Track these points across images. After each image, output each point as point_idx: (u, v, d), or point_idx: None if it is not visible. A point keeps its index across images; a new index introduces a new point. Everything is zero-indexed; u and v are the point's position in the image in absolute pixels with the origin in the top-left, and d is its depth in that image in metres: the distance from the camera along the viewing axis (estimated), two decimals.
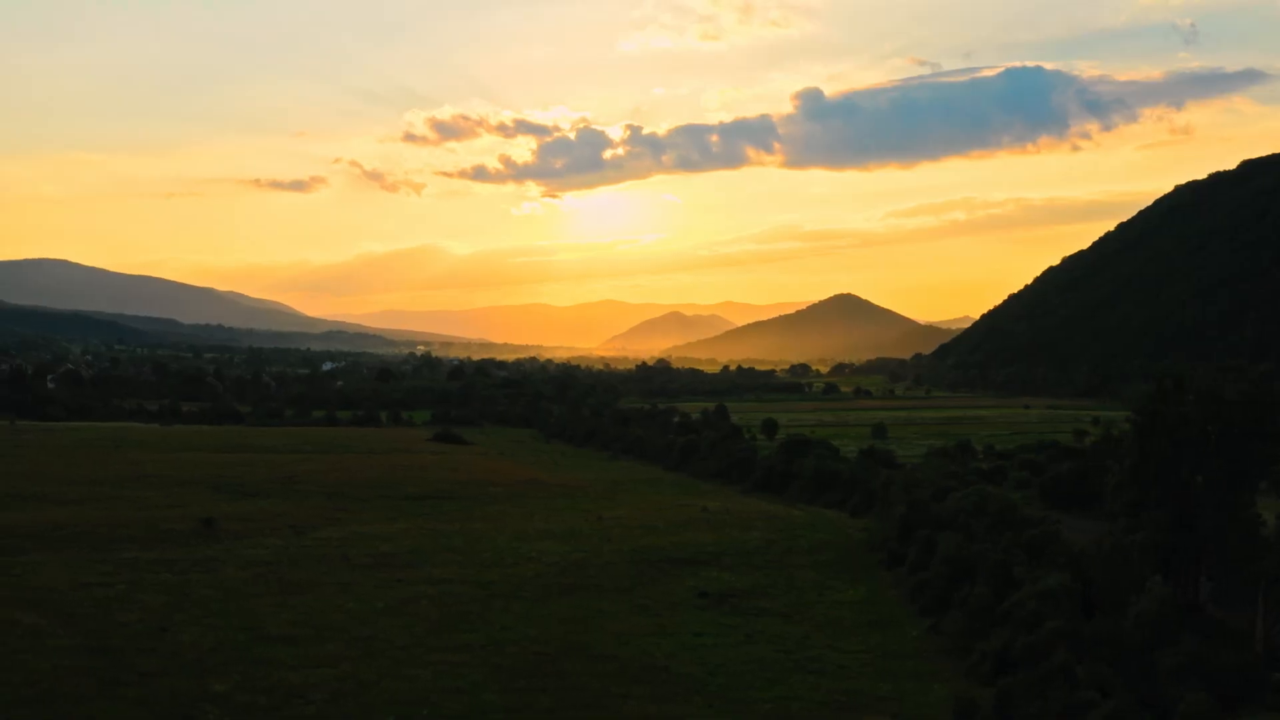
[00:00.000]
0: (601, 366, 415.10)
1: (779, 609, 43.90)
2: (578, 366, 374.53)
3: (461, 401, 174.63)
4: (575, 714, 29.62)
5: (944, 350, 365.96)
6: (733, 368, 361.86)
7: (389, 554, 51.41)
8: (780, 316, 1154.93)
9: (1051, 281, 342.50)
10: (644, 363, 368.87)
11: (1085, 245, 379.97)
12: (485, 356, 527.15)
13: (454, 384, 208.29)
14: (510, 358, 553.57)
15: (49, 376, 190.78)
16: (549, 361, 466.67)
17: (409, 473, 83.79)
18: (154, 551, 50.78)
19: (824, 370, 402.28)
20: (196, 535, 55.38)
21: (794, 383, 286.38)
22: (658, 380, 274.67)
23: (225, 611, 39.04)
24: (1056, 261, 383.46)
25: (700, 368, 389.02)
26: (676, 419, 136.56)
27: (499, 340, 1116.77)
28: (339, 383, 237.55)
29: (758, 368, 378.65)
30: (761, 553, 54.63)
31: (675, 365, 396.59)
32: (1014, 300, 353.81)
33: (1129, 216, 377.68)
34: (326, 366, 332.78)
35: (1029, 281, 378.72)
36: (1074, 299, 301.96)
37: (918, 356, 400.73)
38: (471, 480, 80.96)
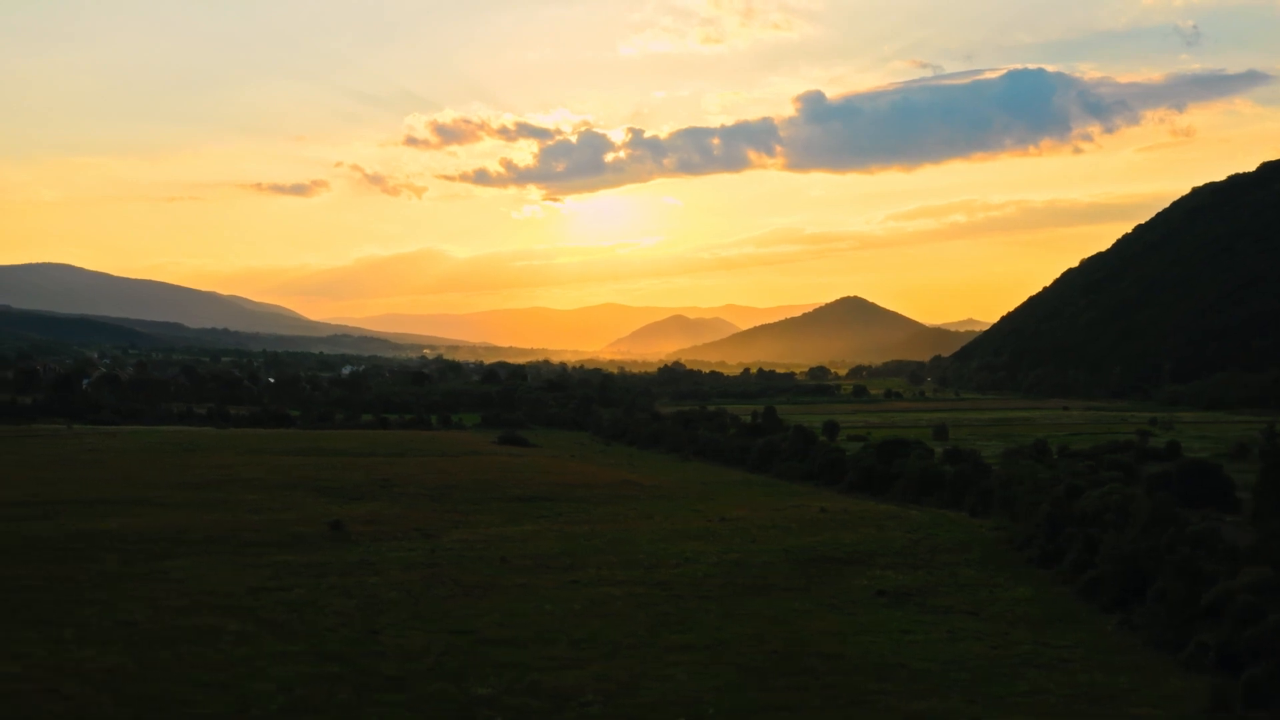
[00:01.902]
0: (616, 370, 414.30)
1: (962, 607, 43.04)
2: (597, 370, 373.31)
3: (505, 404, 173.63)
4: (848, 710, 28.78)
5: (964, 353, 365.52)
6: (747, 371, 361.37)
7: (543, 555, 50.51)
8: (786, 319, 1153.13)
9: (1072, 283, 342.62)
10: (665, 365, 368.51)
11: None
12: (493, 359, 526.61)
13: (493, 387, 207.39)
14: (518, 361, 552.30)
15: (84, 380, 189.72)
16: (563, 365, 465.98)
17: (502, 474, 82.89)
18: (297, 554, 49.76)
19: (842, 373, 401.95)
20: (328, 538, 54.33)
21: (823, 385, 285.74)
22: (685, 383, 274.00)
23: (424, 615, 38.09)
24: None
25: (715, 371, 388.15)
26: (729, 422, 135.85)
27: (503, 344, 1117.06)
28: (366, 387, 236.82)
29: (776, 370, 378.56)
30: (909, 552, 53.82)
31: (690, 368, 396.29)
32: (1033, 303, 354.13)
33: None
34: (345, 370, 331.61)
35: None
36: (1099, 301, 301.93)
37: (936, 359, 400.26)
38: (566, 482, 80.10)
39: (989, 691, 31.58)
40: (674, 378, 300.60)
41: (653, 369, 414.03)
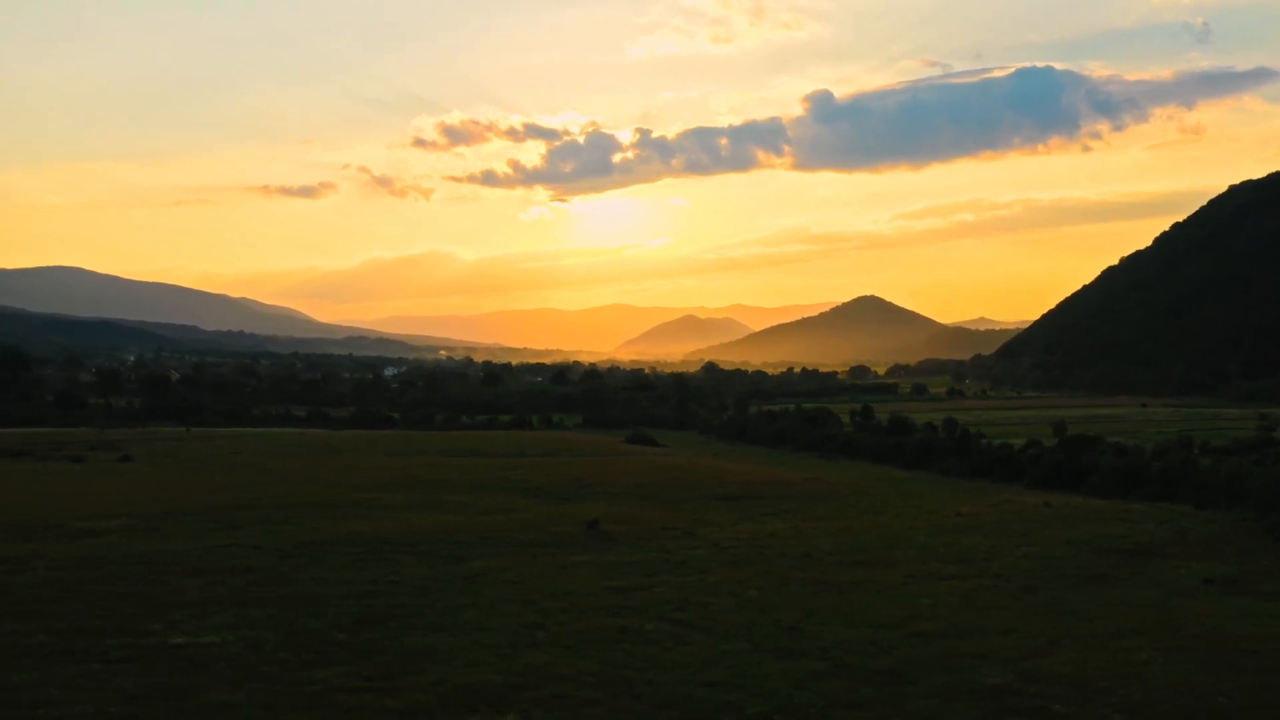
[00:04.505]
0: (648, 370, 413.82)
1: None
2: (639, 369, 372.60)
3: (592, 405, 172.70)
4: None
5: (1008, 351, 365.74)
6: (790, 370, 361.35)
7: (838, 551, 49.75)
8: (803, 319, 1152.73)
9: (1115, 281, 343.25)
10: (710, 364, 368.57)
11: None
12: (512, 360, 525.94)
13: (570, 388, 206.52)
14: (538, 361, 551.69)
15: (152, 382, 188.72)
16: (592, 366, 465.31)
17: (679, 474, 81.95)
18: (591, 554, 48.63)
19: (880, 372, 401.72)
20: (595, 538, 53.54)
21: (881, 384, 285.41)
22: (738, 382, 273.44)
23: (814, 610, 37.05)
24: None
25: (760, 370, 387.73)
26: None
27: (515, 345, 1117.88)
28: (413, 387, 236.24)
29: (819, 370, 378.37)
30: (1181, 542, 53.04)
31: (724, 369, 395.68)
32: (1076, 301, 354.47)
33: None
34: (388, 371, 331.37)
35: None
36: (1149, 299, 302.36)
37: (978, 358, 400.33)
38: (756, 480, 79.16)
39: None
40: (724, 378, 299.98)
41: (680, 369, 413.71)
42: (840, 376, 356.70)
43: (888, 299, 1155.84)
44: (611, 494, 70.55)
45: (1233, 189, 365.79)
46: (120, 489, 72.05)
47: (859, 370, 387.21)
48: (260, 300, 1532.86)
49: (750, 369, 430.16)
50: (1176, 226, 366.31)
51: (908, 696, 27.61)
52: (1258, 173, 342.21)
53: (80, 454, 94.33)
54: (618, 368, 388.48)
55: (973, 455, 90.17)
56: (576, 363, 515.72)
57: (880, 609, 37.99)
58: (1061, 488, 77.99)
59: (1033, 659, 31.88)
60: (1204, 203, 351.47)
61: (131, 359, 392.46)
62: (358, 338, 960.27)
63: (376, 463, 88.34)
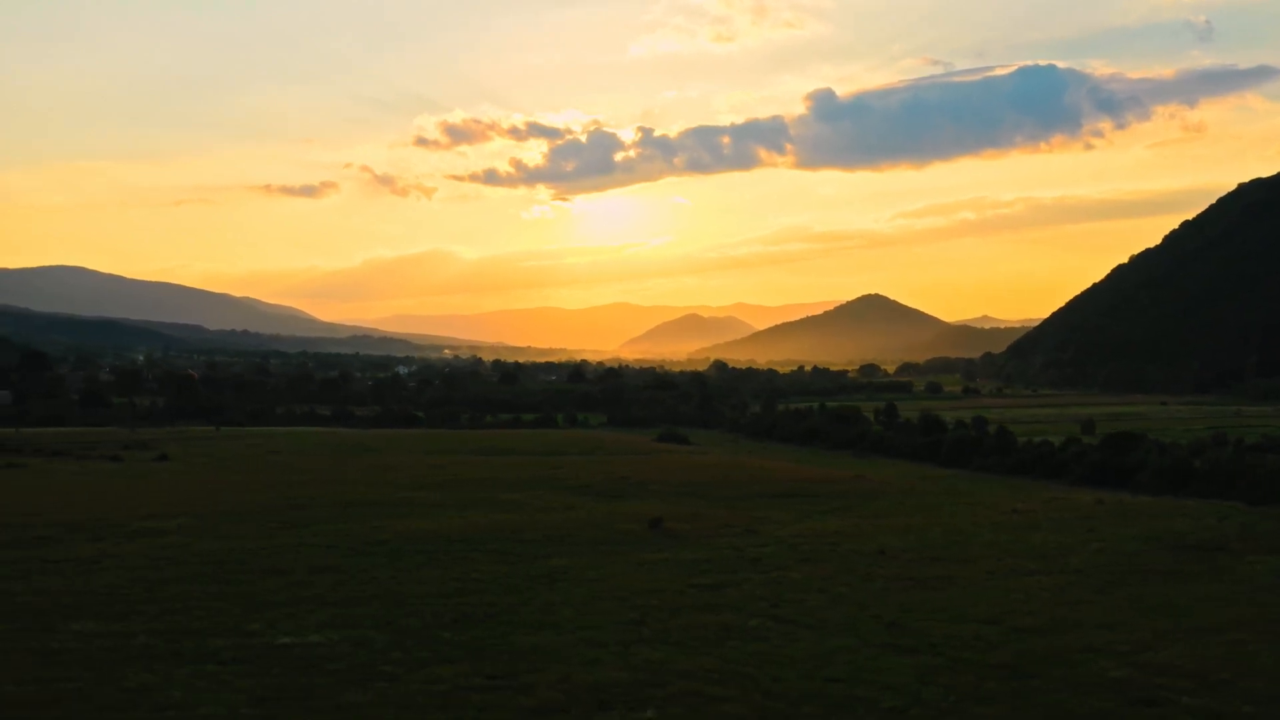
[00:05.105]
0: (658, 368, 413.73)
1: None
2: (651, 368, 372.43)
3: (613, 403, 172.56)
4: None
5: (1018, 349, 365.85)
6: (801, 369, 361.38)
7: (907, 549, 49.61)
8: (807, 318, 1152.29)
9: (1126, 279, 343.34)
10: (721, 363, 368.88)
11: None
12: (518, 360, 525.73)
13: (588, 386, 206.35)
14: (543, 360, 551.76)
15: (174, 382, 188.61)
16: (612, 365, 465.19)
17: (722, 472, 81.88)
18: (662, 552, 48.45)
19: (890, 370, 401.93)
20: (661, 536, 53.38)
21: (899, 382, 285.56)
22: (753, 381, 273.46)
23: (912, 607, 36.87)
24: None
25: (771, 368, 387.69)
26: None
27: (519, 343, 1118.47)
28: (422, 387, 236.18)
29: (830, 369, 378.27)
30: (1242, 538, 52.71)
31: (733, 367, 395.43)
32: (1086, 299, 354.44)
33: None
34: (401, 370, 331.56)
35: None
36: (1161, 297, 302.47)
37: (988, 356, 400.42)
38: (799, 478, 79.19)
39: None
40: (737, 376, 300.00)
41: (687, 367, 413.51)
42: (851, 375, 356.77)
43: (891, 298, 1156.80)
44: (661, 492, 70.47)
45: (1242, 187, 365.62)
46: (167, 488, 72.03)
47: (869, 369, 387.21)
48: (263, 300, 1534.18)
49: (759, 367, 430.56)
50: (1186, 225, 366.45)
51: (1035, 690, 27.43)
52: (1260, 170, 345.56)
53: (116, 453, 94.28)
54: (628, 367, 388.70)
55: (1013, 453, 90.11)
56: (585, 361, 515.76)
57: (974, 605, 37.83)
58: (1107, 485, 77.94)
59: (1144, 652, 31.72)
60: (1207, 200, 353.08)
61: (141, 358, 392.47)
62: (361, 337, 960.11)
63: (415, 461, 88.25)
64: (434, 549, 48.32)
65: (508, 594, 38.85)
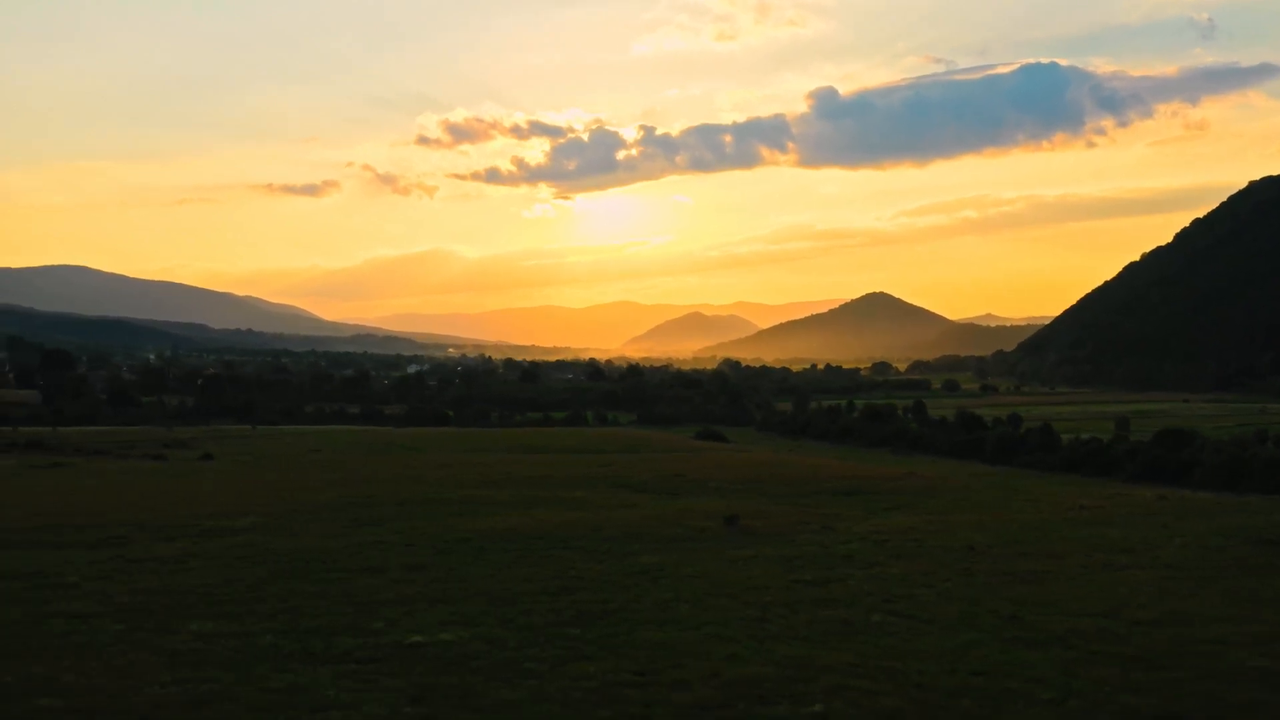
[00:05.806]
0: (669, 366, 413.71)
1: None
2: (667, 367, 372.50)
3: (637, 401, 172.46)
4: None
5: (1031, 347, 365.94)
6: (814, 366, 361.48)
7: (994, 544, 49.54)
8: (812, 316, 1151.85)
9: (1138, 276, 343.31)
10: (735, 362, 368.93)
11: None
12: (524, 358, 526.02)
13: (611, 385, 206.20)
14: (547, 359, 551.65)
15: (199, 380, 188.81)
16: (608, 363, 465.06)
17: (773, 470, 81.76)
18: (744, 548, 48.56)
19: (901, 368, 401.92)
20: (734, 533, 53.42)
21: (913, 380, 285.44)
22: (768, 379, 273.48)
23: (1023, 601, 36.52)
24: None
25: (785, 367, 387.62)
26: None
27: (523, 342, 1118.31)
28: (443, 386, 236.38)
29: (841, 366, 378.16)
30: None
31: (745, 365, 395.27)
32: (1098, 296, 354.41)
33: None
34: (413, 369, 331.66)
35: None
36: (1174, 294, 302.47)
37: (999, 353, 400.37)
38: (853, 475, 79.12)
39: None
40: (751, 374, 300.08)
41: (694, 365, 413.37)
42: (863, 373, 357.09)
43: (896, 296, 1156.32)
44: (720, 489, 70.40)
45: (1252, 185, 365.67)
46: (223, 487, 72.05)
47: (881, 366, 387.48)
48: (265, 299, 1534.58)
49: (770, 366, 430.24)
50: (1197, 222, 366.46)
51: (1182, 680, 27.28)
52: (1263, 168, 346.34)
53: (159, 452, 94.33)
54: (638, 365, 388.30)
55: (1058, 450, 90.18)
56: (594, 360, 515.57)
57: (1083, 598, 37.73)
58: (1163, 481, 78.00)
59: (1273, 643, 31.78)
60: (1209, 198, 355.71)
61: (152, 357, 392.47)
62: (365, 335, 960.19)
63: (461, 459, 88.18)
64: (518, 547, 48.14)
65: (616, 591, 38.68)
